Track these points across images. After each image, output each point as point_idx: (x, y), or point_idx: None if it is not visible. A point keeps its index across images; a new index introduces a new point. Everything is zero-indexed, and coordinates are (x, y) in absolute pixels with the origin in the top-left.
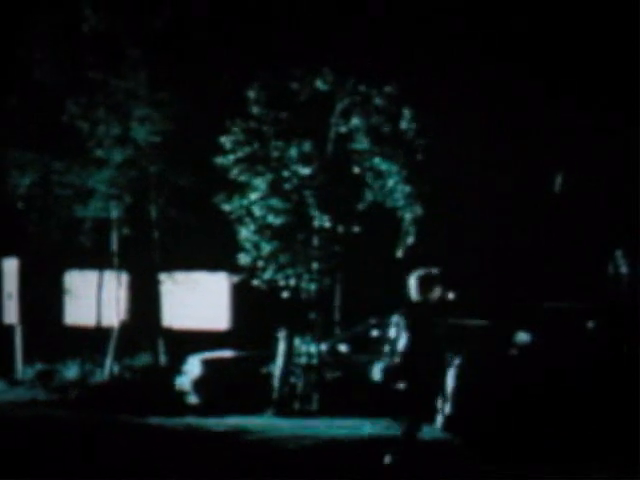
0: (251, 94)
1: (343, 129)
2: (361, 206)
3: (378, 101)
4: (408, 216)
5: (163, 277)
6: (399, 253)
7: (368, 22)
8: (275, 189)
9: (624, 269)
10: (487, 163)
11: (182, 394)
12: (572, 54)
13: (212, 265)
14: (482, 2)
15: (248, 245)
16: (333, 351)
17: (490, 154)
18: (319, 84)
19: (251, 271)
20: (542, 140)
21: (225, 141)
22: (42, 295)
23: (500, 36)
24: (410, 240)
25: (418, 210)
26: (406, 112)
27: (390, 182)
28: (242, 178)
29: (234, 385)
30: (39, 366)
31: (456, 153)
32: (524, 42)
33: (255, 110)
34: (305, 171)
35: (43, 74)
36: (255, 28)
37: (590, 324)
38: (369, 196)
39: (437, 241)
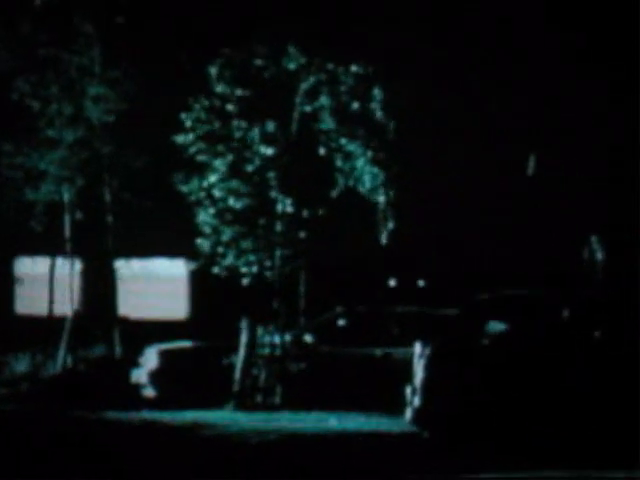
0: (213, 71)
1: (308, 109)
2: (332, 191)
3: (347, 80)
4: (382, 199)
5: (118, 264)
6: (382, 239)
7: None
8: (236, 170)
9: (599, 255)
10: (460, 146)
11: (138, 387)
12: (548, 37)
13: (170, 251)
14: None
15: (207, 229)
16: (298, 342)
17: (464, 136)
18: (285, 62)
19: (211, 257)
20: (517, 123)
21: (185, 119)
22: None
23: (471, 16)
24: (390, 225)
25: (391, 194)
26: (376, 92)
27: (358, 164)
28: (201, 158)
29: (193, 377)
30: None
31: (428, 135)
32: (497, 23)
33: (219, 88)
34: (268, 152)
35: None
36: (219, 3)
37: (565, 312)
38: (340, 180)
39: (409, 225)
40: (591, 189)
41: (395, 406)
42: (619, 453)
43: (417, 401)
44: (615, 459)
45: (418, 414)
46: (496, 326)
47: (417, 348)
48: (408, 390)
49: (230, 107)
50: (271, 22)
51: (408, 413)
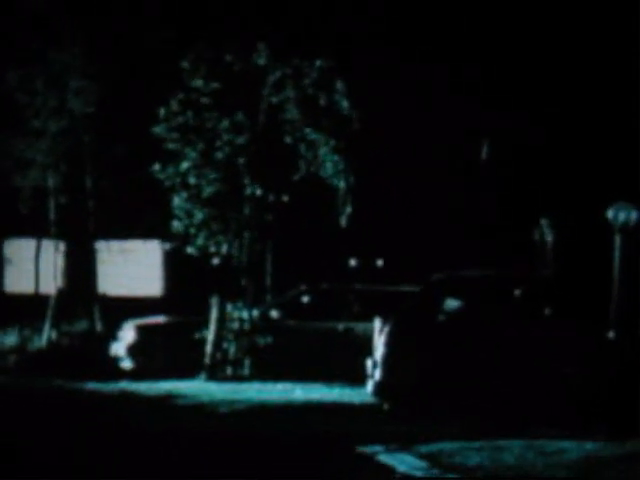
0: (186, 65)
1: (275, 100)
2: (295, 177)
3: (311, 73)
4: (342, 185)
5: (99, 245)
6: (342, 221)
7: None
8: (207, 158)
9: (549, 237)
10: (418, 133)
11: (117, 359)
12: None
13: (145, 233)
14: None
15: (181, 213)
16: (265, 317)
17: (421, 124)
18: (255, 58)
19: (183, 238)
20: (471, 109)
21: (160, 111)
22: None
23: (432, 13)
24: (349, 209)
25: (351, 179)
26: (339, 84)
27: (321, 151)
28: (174, 147)
29: (167, 350)
30: None
31: (388, 124)
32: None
33: (195, 82)
34: (238, 140)
35: None
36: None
37: (517, 290)
38: (303, 167)
39: (369, 209)
40: (541, 174)
41: (357, 378)
42: (570, 423)
43: (378, 374)
44: (565, 429)
45: (379, 387)
46: (452, 304)
47: (377, 324)
48: (369, 363)
49: (205, 100)
50: (241, 19)
51: (369, 385)
